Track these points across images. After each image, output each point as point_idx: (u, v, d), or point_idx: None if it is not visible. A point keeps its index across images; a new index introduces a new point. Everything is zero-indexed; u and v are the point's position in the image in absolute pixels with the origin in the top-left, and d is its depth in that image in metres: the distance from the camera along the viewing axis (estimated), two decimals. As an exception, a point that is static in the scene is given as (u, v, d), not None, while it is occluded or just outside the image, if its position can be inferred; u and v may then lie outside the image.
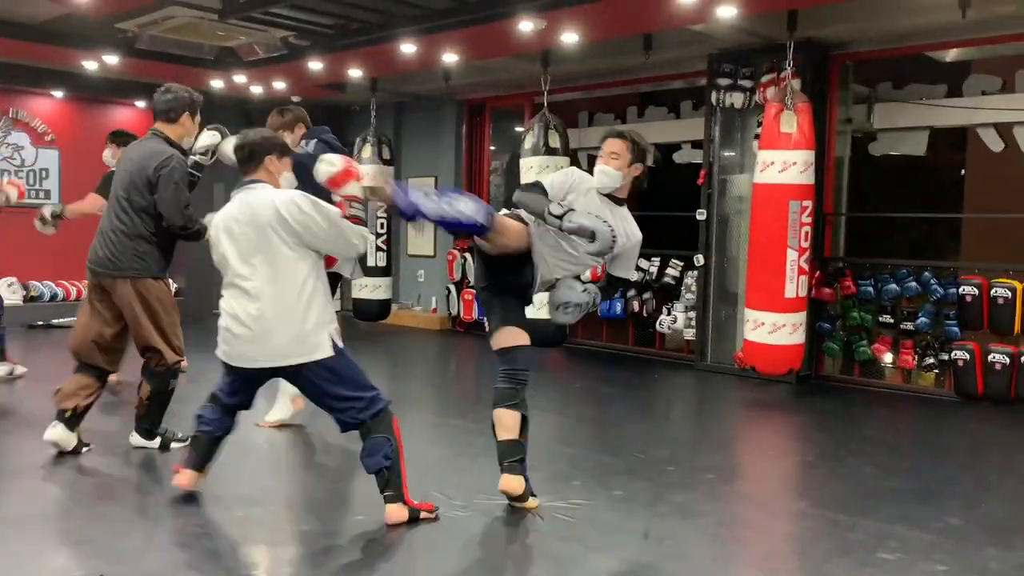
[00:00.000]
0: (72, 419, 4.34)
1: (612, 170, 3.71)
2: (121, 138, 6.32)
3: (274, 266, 3.41)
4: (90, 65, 8.14)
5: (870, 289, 6.95)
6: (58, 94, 9.56)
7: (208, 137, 4.88)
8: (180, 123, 4.38)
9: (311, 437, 5.10)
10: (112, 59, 7.76)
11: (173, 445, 4.52)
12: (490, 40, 6.73)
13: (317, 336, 3.43)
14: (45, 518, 3.64)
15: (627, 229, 3.78)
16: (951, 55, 7.34)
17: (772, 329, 6.23)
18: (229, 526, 3.65)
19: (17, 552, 3.24)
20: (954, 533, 3.67)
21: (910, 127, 7.74)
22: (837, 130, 7.41)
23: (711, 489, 4.22)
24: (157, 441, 4.53)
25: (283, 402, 5.18)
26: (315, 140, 5.13)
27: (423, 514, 3.52)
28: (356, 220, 3.54)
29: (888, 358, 6.93)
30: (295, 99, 9.82)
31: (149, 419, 4.48)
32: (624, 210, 3.82)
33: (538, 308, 7.74)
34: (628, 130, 3.84)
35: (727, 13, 5.84)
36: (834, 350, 7.18)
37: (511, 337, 3.72)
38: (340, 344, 3.51)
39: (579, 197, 3.70)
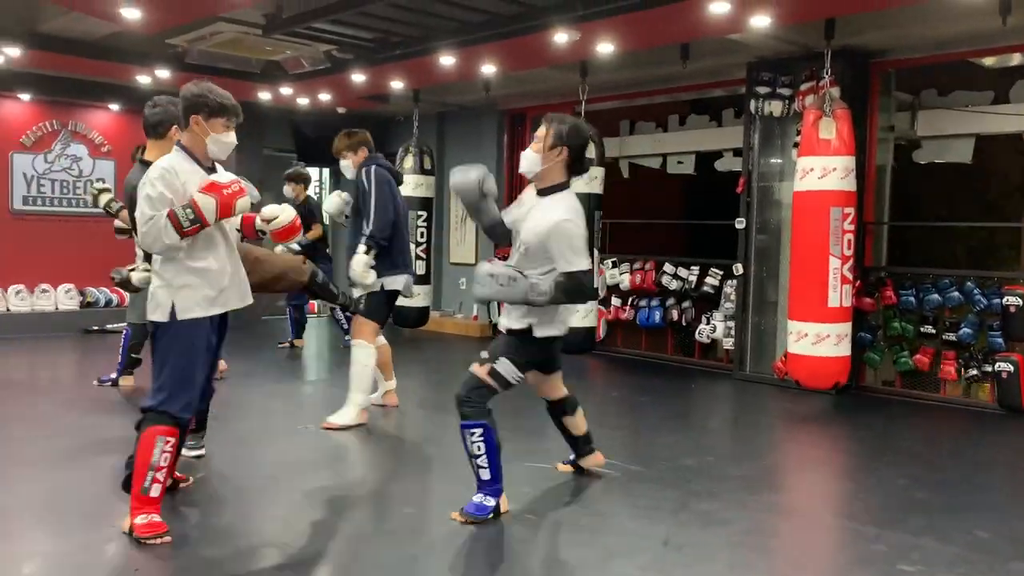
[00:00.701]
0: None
1: (530, 153, 3.73)
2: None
3: None
4: (143, 79, 8.44)
5: (911, 299, 6.85)
6: (114, 107, 9.90)
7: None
8: (169, 138, 4.20)
9: (376, 438, 5.23)
10: (164, 73, 8.04)
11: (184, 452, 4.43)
12: (527, 52, 6.82)
13: (157, 299, 3.46)
14: (86, 513, 3.80)
15: (535, 220, 3.69)
16: (997, 61, 7.21)
17: (816, 340, 6.17)
18: (269, 520, 3.78)
19: (55, 547, 3.41)
20: (981, 546, 3.63)
21: (955, 134, 7.64)
22: (878, 138, 7.33)
23: (738, 499, 4.22)
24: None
25: (349, 409, 5.41)
26: (373, 166, 5.39)
27: (140, 532, 3.35)
28: (171, 214, 3.31)
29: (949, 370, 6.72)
30: (340, 110, 10.07)
31: None
32: (545, 200, 3.73)
33: (583, 316, 7.90)
34: (558, 115, 3.79)
35: (761, 23, 5.84)
36: (875, 361, 7.09)
37: None
38: (184, 316, 3.41)
39: (520, 205, 3.89)
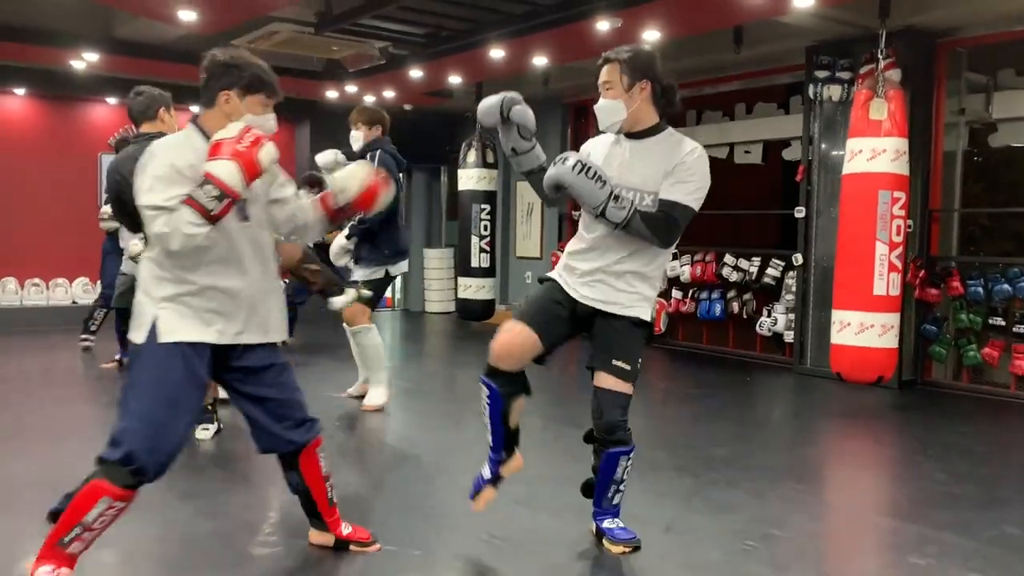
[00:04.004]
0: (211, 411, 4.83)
1: (605, 102, 3.11)
2: None
3: None
4: (215, 80, 8.80)
5: (979, 290, 6.51)
6: (195, 108, 10.33)
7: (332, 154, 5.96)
8: (159, 119, 4.30)
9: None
10: (232, 74, 8.36)
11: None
12: (573, 41, 6.79)
13: (138, 311, 2.74)
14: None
15: (648, 164, 3.07)
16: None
17: (859, 330, 5.94)
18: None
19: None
20: (1005, 543, 3.44)
21: (1034, 116, 7.21)
22: (947, 122, 7.00)
23: (757, 488, 4.12)
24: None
25: (380, 388, 5.71)
26: (379, 150, 5.47)
27: None
28: (189, 201, 2.55)
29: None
30: (407, 107, 10.27)
31: None
32: (653, 139, 3.10)
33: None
34: (618, 49, 3.16)
35: (805, 3, 5.66)
36: (941, 354, 6.77)
37: None
38: (155, 339, 2.64)
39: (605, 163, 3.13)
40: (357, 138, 5.60)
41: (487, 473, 3.39)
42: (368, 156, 5.46)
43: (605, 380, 3.14)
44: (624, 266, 3.12)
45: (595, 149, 3.23)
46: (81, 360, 7.48)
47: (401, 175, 5.68)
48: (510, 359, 3.23)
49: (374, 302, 5.64)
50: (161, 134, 4.26)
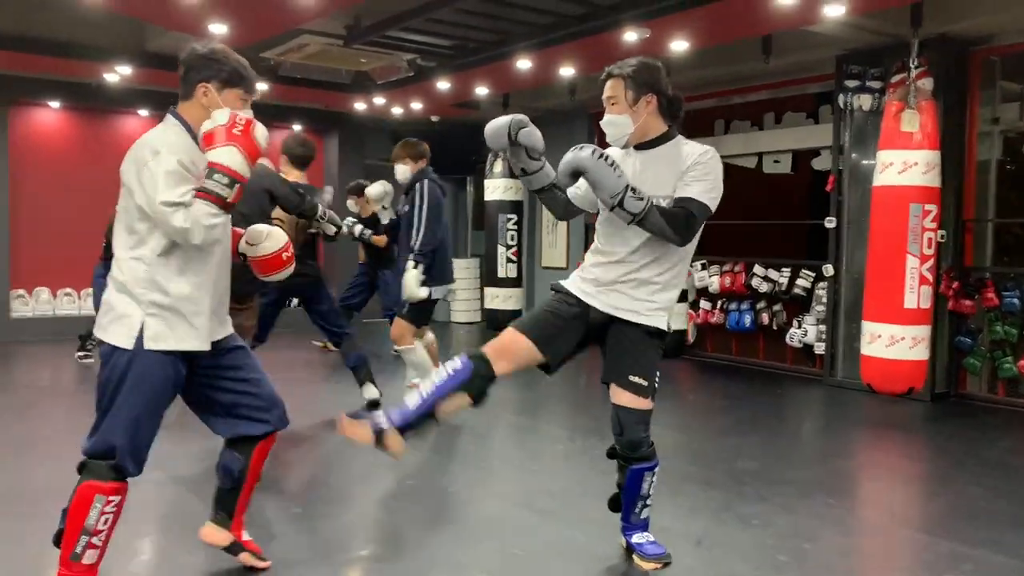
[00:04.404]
0: None
1: (613, 118, 3.07)
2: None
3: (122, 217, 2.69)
4: (244, 93, 8.90)
5: (1015, 301, 6.40)
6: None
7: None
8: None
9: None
10: (262, 86, 8.45)
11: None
12: (600, 52, 6.77)
13: (120, 313, 2.63)
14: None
15: (660, 172, 3.06)
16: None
17: (890, 342, 5.87)
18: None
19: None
20: (1043, 560, 3.37)
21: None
22: (981, 130, 6.90)
23: (787, 503, 4.07)
24: None
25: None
26: (427, 180, 5.63)
27: None
28: (202, 194, 2.54)
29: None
30: (434, 119, 10.31)
31: None
32: (665, 146, 3.09)
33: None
34: (620, 64, 3.11)
35: (836, 12, 5.62)
36: (975, 366, 6.66)
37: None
38: (142, 345, 2.59)
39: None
40: (403, 171, 5.75)
41: (382, 421, 3.07)
42: (417, 186, 5.63)
43: (622, 397, 3.10)
44: (643, 274, 3.09)
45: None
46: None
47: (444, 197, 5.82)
48: (503, 360, 3.11)
49: (418, 321, 5.78)
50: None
